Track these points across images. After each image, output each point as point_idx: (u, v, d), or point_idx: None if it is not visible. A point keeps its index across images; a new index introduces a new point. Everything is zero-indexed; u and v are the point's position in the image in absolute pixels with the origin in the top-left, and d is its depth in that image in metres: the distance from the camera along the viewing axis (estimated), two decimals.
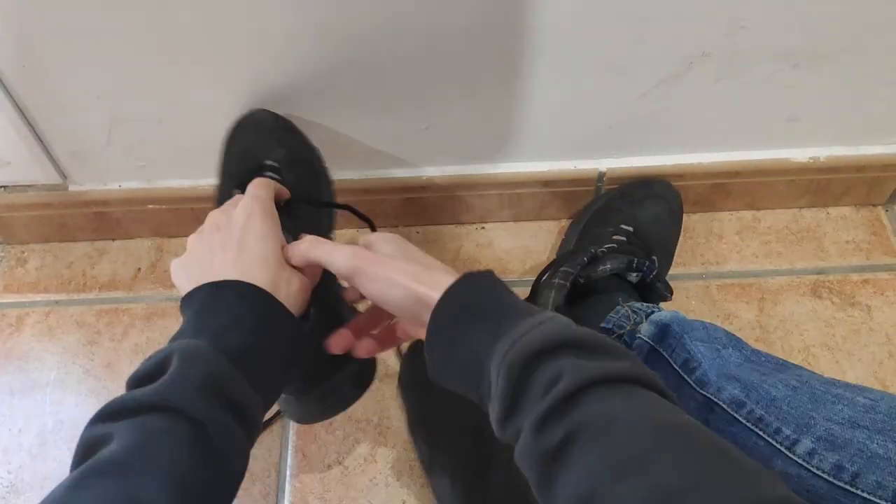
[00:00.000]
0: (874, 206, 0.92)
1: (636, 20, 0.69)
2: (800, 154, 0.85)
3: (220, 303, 0.48)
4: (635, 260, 0.71)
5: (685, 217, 0.89)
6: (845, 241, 0.89)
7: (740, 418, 0.55)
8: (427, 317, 0.46)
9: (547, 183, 0.86)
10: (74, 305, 0.89)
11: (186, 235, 0.90)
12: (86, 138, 0.80)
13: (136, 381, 0.43)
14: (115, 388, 0.81)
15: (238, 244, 0.52)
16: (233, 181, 0.67)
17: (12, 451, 0.78)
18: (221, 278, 0.49)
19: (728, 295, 0.85)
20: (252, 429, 0.45)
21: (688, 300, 0.85)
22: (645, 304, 0.68)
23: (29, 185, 0.87)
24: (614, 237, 0.78)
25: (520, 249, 0.90)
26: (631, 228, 0.79)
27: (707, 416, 0.57)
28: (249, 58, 0.72)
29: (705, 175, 0.86)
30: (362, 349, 0.57)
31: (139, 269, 0.91)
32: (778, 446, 0.52)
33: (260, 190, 0.57)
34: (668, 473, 0.33)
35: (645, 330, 0.64)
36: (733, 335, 0.63)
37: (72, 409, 0.81)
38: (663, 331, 0.63)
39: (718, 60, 0.73)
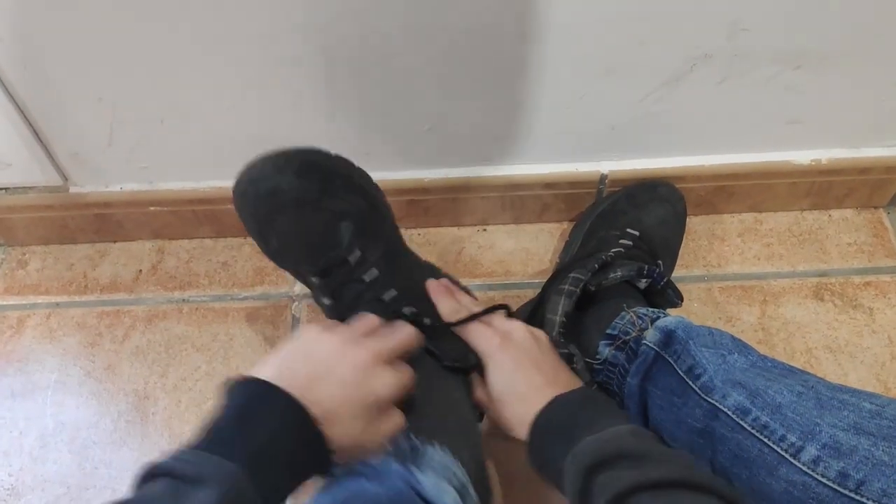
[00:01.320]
0: (876, 208, 0.92)
1: (638, 22, 0.69)
2: (802, 156, 0.85)
3: (273, 419, 0.48)
4: (646, 267, 0.70)
5: (688, 219, 0.88)
6: (847, 243, 0.89)
7: (745, 425, 0.55)
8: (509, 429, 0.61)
9: (549, 185, 0.86)
10: (75, 307, 0.88)
11: (188, 237, 0.93)
12: (87, 140, 0.80)
13: (158, 473, 0.44)
14: (116, 391, 0.81)
15: (337, 418, 0.51)
16: (312, 275, 0.63)
17: (13, 454, 0.78)
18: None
19: (730, 297, 0.85)
20: None
21: (690, 302, 0.85)
22: (651, 309, 0.68)
23: (30, 187, 0.87)
24: (620, 241, 0.77)
25: (521, 252, 0.90)
26: (637, 232, 0.79)
27: (712, 422, 0.57)
28: (251, 58, 0.72)
29: (707, 177, 0.86)
30: None
31: (140, 270, 0.91)
32: (783, 454, 0.52)
33: (390, 383, 0.55)
34: None
35: (650, 336, 0.64)
36: (740, 340, 0.62)
37: (73, 411, 0.80)
38: (669, 337, 0.63)
39: (720, 62, 0.73)
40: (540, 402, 0.57)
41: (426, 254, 0.88)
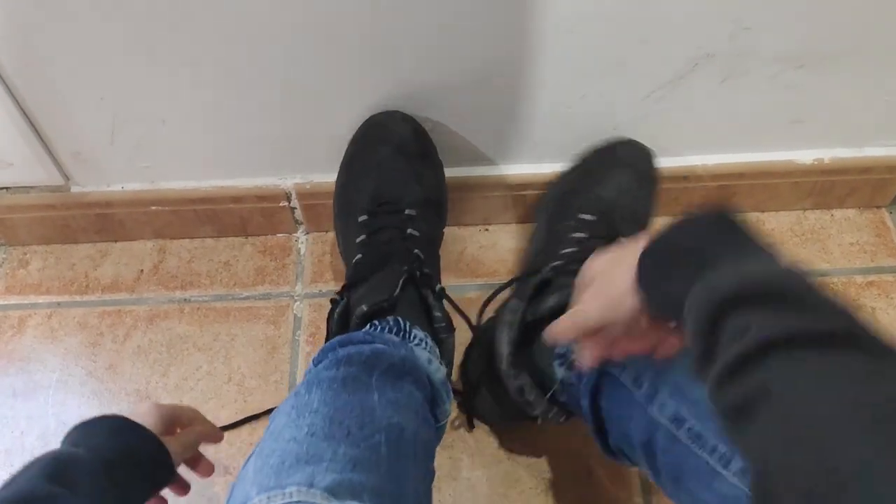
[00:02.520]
0: (878, 208, 0.92)
1: (640, 22, 0.69)
2: (804, 156, 0.85)
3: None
4: None
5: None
6: (849, 243, 0.89)
7: (681, 436, 0.52)
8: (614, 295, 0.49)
9: (551, 184, 0.86)
10: (77, 307, 0.88)
11: (189, 237, 0.93)
12: (89, 139, 0.80)
13: None
14: (118, 390, 0.81)
15: None
16: (363, 213, 0.73)
17: (15, 453, 0.78)
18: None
19: None
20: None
21: None
22: None
23: (31, 187, 0.87)
24: (573, 235, 0.74)
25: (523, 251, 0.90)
26: (593, 217, 0.74)
27: (655, 434, 0.54)
28: (251, 59, 0.72)
29: (710, 177, 0.86)
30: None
31: (141, 270, 0.91)
32: (715, 465, 0.49)
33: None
34: (841, 453, 0.30)
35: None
36: None
37: (74, 410, 0.80)
38: None
39: (723, 62, 0.73)
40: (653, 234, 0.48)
41: None
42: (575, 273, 0.61)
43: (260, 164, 0.85)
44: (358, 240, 0.72)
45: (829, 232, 0.90)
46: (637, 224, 0.77)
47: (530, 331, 0.67)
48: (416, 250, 0.71)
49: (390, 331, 0.63)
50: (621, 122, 0.80)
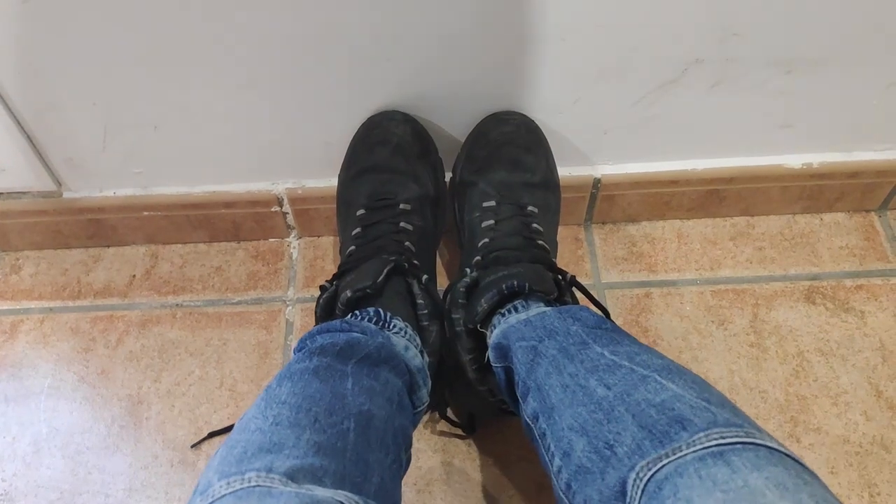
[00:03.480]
0: (867, 211, 0.93)
1: (631, 28, 0.70)
2: (793, 160, 0.86)
3: None
4: (504, 286, 0.64)
5: (680, 223, 0.89)
6: (839, 246, 0.90)
7: (537, 435, 0.53)
8: None
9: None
10: (69, 312, 0.88)
11: (181, 242, 0.93)
12: (81, 145, 0.80)
13: None
14: (110, 396, 0.81)
15: None
16: (361, 208, 0.74)
17: (6, 459, 0.78)
18: None
19: (722, 301, 0.85)
20: None
21: (682, 306, 0.85)
22: (496, 317, 0.66)
23: (24, 192, 0.87)
24: (483, 224, 0.73)
25: None
26: (493, 202, 0.74)
27: (529, 435, 0.56)
28: (245, 64, 0.72)
29: (700, 181, 0.86)
30: None
31: (134, 275, 0.91)
32: (552, 471, 0.51)
33: None
34: None
35: (491, 357, 0.63)
36: (568, 313, 0.59)
37: (66, 416, 0.80)
38: (499, 351, 0.62)
39: (712, 67, 0.74)
40: None
41: None
42: (493, 264, 0.68)
43: (252, 170, 0.85)
44: (353, 232, 0.73)
45: (818, 236, 0.91)
46: (542, 188, 0.76)
47: (480, 333, 0.68)
48: (406, 242, 0.72)
49: (369, 320, 0.64)
50: (613, 128, 0.81)
